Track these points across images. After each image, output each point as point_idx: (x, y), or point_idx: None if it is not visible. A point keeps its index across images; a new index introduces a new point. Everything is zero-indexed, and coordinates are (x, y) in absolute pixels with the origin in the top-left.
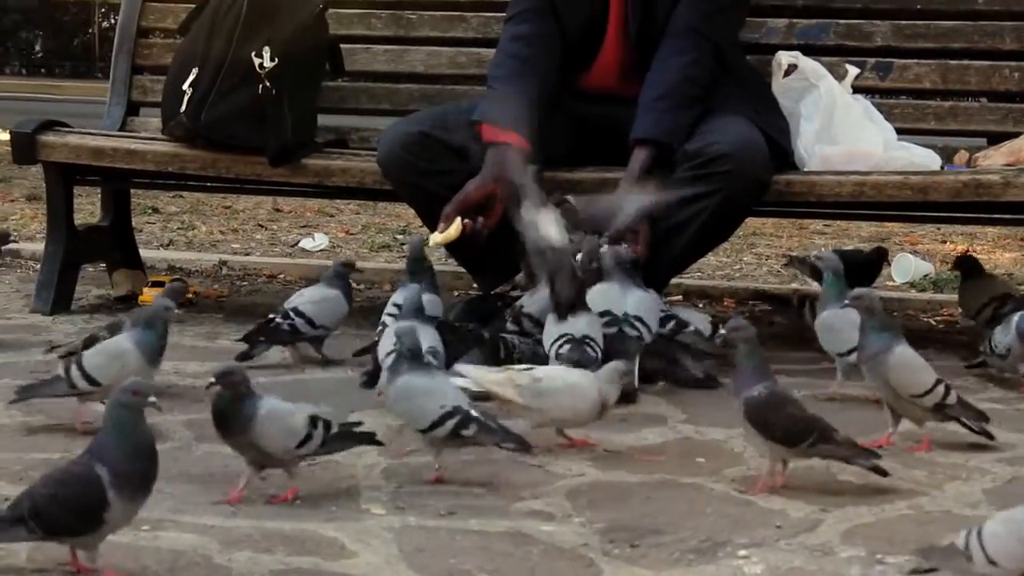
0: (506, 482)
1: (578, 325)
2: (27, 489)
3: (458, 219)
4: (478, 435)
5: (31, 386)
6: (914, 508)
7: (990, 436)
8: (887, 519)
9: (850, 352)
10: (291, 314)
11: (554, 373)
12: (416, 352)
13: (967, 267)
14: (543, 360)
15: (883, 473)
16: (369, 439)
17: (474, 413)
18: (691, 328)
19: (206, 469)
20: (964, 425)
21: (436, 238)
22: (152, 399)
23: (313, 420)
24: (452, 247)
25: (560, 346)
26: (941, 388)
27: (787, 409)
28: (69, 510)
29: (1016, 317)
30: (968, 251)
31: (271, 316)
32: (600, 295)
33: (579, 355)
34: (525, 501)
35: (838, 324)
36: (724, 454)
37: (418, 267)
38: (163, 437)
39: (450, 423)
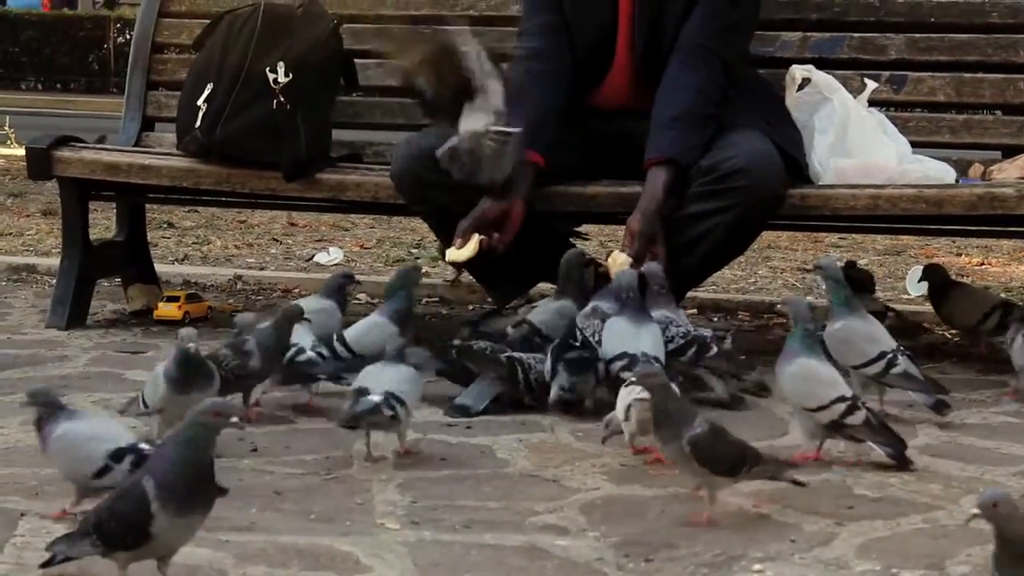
0: (521, 496)
1: (641, 342)
2: (96, 504)
3: (475, 236)
4: None
5: None
6: (929, 522)
7: (904, 463)
8: (902, 533)
9: (866, 364)
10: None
11: None
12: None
13: (938, 277)
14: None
15: (802, 484)
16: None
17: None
18: (713, 352)
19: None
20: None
21: (453, 255)
22: (234, 419)
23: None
24: (467, 262)
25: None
26: (841, 406)
27: (728, 440)
28: (120, 522)
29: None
30: (934, 262)
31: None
32: (615, 335)
33: None
34: (540, 515)
35: (851, 336)
36: None
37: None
38: None
39: None
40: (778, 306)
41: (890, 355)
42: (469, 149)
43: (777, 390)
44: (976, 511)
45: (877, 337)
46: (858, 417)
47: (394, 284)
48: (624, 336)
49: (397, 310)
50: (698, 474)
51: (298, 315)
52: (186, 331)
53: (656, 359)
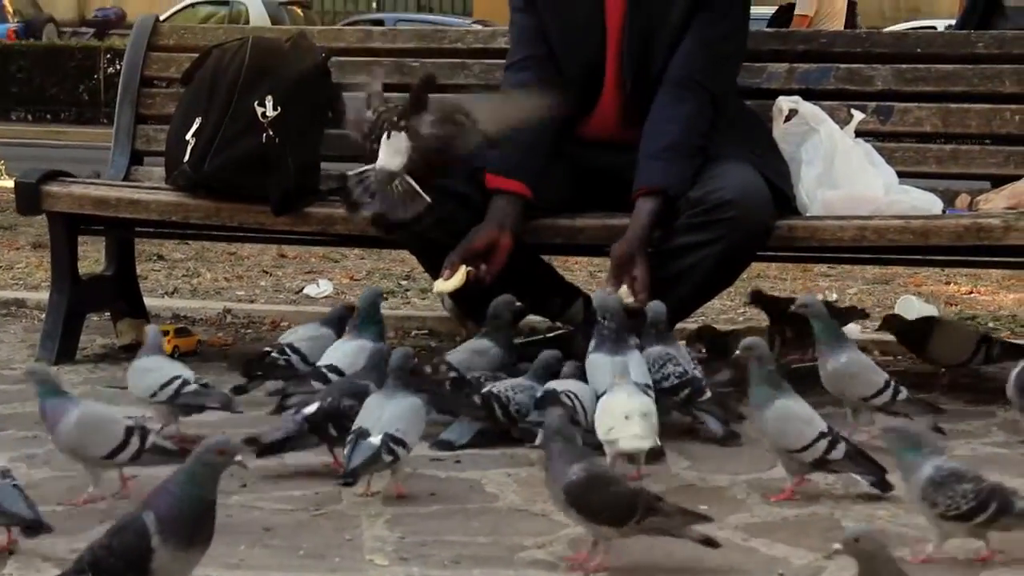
0: (510, 531)
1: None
2: (91, 542)
3: (463, 267)
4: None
5: None
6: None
7: (884, 488)
8: None
9: (875, 395)
10: (287, 350)
11: None
12: None
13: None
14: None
15: (714, 544)
16: None
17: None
18: (707, 396)
19: None
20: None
21: (440, 286)
22: (238, 458)
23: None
24: (455, 293)
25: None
26: (824, 443)
27: (610, 488)
28: (119, 558)
29: (1015, 371)
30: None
31: (267, 350)
32: (598, 371)
33: None
34: (529, 550)
35: (859, 368)
36: (727, 500)
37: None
38: None
39: None
40: (795, 306)
41: (893, 384)
42: (377, 182)
43: (755, 431)
44: (838, 546)
45: (878, 368)
46: (840, 451)
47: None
48: (607, 369)
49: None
50: (577, 522)
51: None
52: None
53: (646, 386)
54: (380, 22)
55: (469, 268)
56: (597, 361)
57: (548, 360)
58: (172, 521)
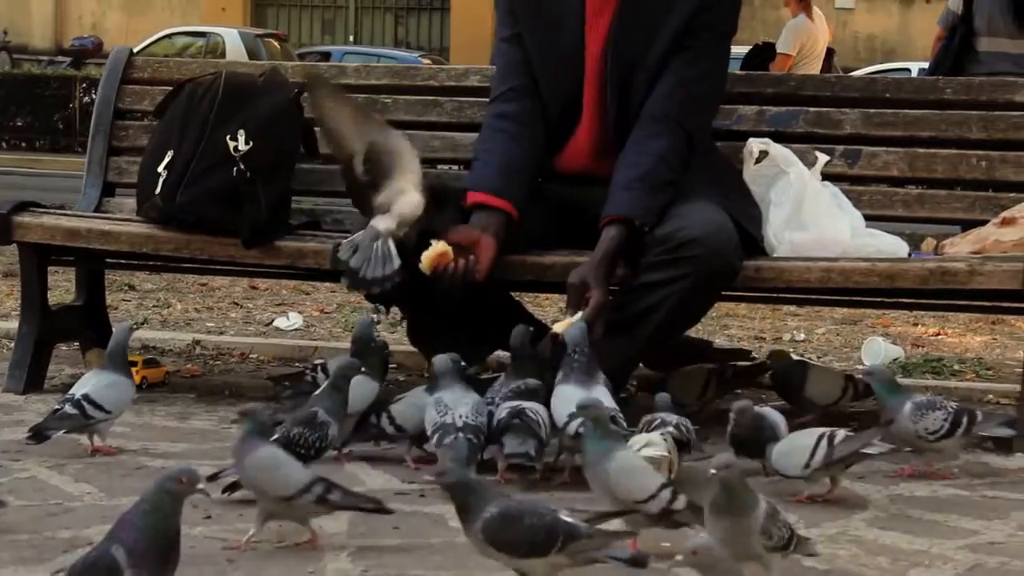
0: (473, 566)
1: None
2: None
3: (443, 243)
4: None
5: None
6: None
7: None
8: None
9: None
10: (319, 370)
11: None
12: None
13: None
14: None
15: (641, 564)
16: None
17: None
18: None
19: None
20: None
21: (424, 257)
22: (200, 486)
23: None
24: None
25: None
26: (667, 493)
27: (525, 521)
28: None
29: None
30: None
31: (304, 368)
32: (563, 400)
33: None
34: None
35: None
36: (691, 538)
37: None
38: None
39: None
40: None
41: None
42: (363, 237)
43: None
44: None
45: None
46: (681, 502)
47: None
48: (574, 398)
49: None
50: (501, 560)
51: (356, 369)
52: None
53: (615, 411)
54: (328, 55)
55: (448, 247)
56: (564, 392)
57: (532, 387)
58: (141, 553)
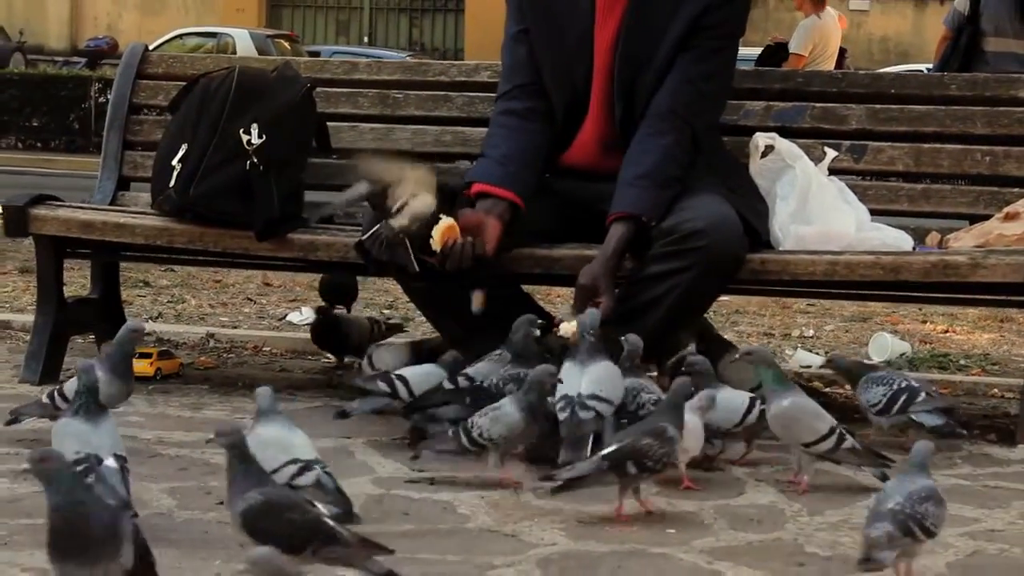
0: (480, 551)
1: (583, 383)
2: None
3: (450, 219)
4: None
5: None
6: None
7: None
8: None
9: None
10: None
11: None
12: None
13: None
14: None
15: None
16: None
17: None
18: None
19: (187, 536)
20: None
21: (435, 231)
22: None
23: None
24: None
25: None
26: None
27: (285, 515)
28: None
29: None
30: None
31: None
32: (563, 379)
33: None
34: (497, 569)
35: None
36: (694, 525)
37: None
38: (144, 505)
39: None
40: (740, 355)
41: (838, 431)
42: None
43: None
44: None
45: (823, 414)
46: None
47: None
48: (568, 378)
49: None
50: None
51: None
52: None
53: (598, 398)
54: (317, 54)
55: (456, 223)
56: (568, 369)
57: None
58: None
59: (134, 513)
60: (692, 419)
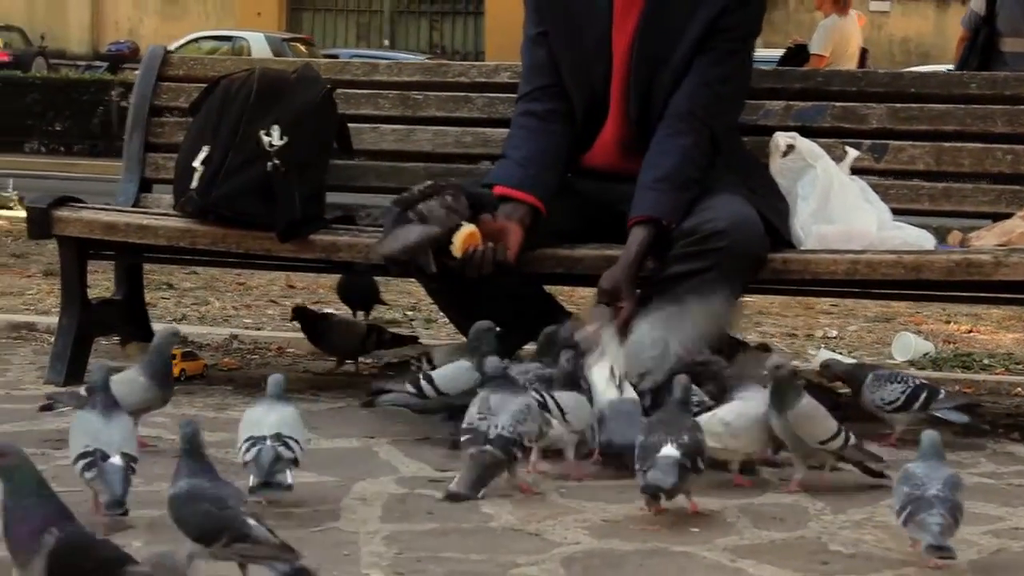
0: (503, 550)
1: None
2: None
3: (472, 226)
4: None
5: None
6: None
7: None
8: None
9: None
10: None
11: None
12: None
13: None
14: None
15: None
16: None
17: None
18: None
19: None
20: None
21: (456, 238)
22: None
23: None
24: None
25: None
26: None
27: (203, 506)
28: None
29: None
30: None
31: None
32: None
33: None
34: (521, 568)
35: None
36: (717, 524)
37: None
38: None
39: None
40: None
41: (844, 430)
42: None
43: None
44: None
45: (829, 414)
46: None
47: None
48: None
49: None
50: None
51: None
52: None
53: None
54: (335, 57)
55: (477, 229)
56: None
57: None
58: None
59: (125, 511)
60: (756, 413)
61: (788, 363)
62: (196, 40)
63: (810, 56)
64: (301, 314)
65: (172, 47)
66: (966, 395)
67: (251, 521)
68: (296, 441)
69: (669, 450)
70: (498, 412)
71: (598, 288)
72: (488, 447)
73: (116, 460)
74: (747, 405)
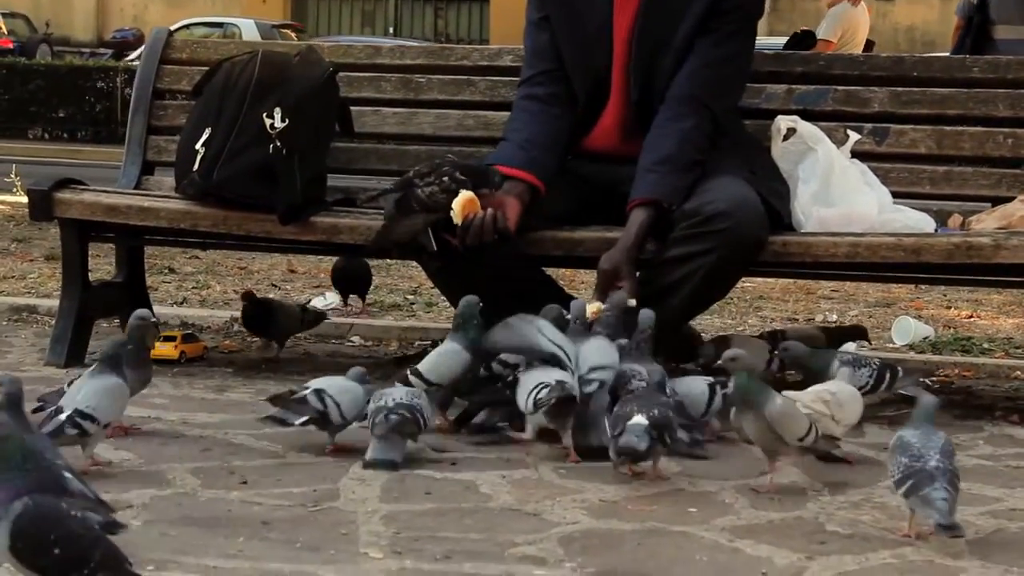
0: (502, 529)
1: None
2: None
3: (471, 193)
4: None
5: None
6: (898, 557)
7: None
8: (870, 567)
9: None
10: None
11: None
12: None
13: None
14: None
15: None
16: None
17: None
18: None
19: (211, 514)
20: None
21: (455, 204)
22: None
23: None
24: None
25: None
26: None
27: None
28: None
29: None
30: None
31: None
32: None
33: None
34: (519, 547)
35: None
36: (715, 504)
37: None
38: (169, 484)
39: None
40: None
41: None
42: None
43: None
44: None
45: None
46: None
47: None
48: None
49: None
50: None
51: None
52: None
53: (597, 368)
54: None
55: (476, 197)
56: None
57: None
58: None
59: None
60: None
61: (744, 355)
62: (188, 26)
63: (816, 42)
64: (250, 298)
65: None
66: (919, 370)
67: (67, 474)
68: None
69: (639, 419)
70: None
71: (598, 269)
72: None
73: (62, 417)
74: (839, 383)
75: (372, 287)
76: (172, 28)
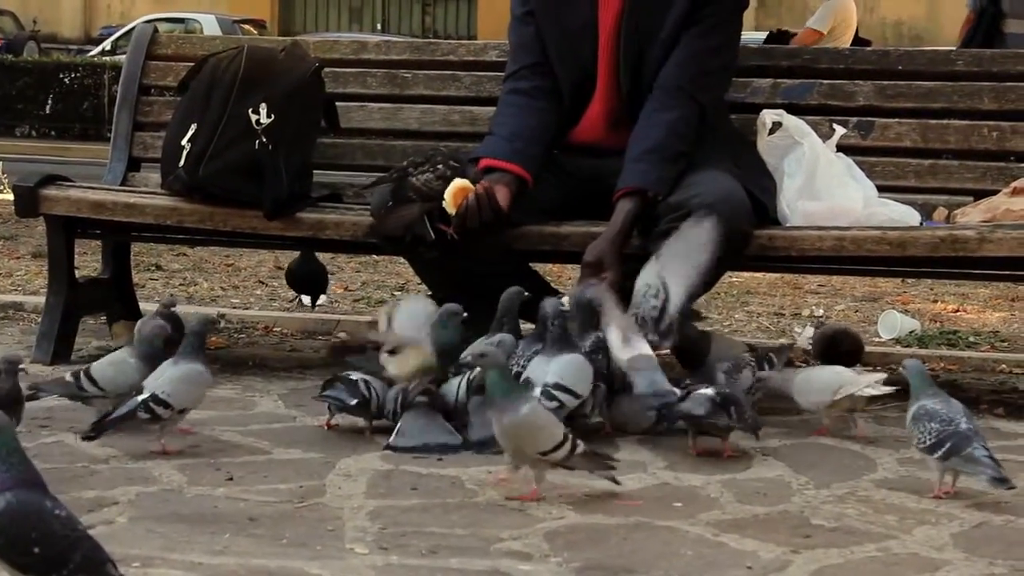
0: (487, 524)
1: (548, 375)
2: None
3: (463, 180)
4: None
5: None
6: (883, 551)
7: None
8: (855, 561)
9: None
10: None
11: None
12: None
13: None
14: None
15: None
16: None
17: None
18: None
19: (196, 510)
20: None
21: (447, 193)
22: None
23: None
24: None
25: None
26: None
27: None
28: None
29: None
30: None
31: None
32: (533, 366)
33: None
34: (505, 542)
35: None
36: (700, 499)
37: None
38: (155, 480)
39: None
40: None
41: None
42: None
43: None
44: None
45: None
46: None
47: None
48: (535, 372)
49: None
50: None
51: None
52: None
53: (563, 388)
54: None
55: (469, 184)
56: (534, 366)
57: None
58: None
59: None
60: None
61: (493, 352)
62: (148, 23)
63: (805, 29)
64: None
65: (124, 30)
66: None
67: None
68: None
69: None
70: None
71: (582, 261)
72: None
73: (139, 399)
74: None
75: (359, 284)
76: (130, 25)
